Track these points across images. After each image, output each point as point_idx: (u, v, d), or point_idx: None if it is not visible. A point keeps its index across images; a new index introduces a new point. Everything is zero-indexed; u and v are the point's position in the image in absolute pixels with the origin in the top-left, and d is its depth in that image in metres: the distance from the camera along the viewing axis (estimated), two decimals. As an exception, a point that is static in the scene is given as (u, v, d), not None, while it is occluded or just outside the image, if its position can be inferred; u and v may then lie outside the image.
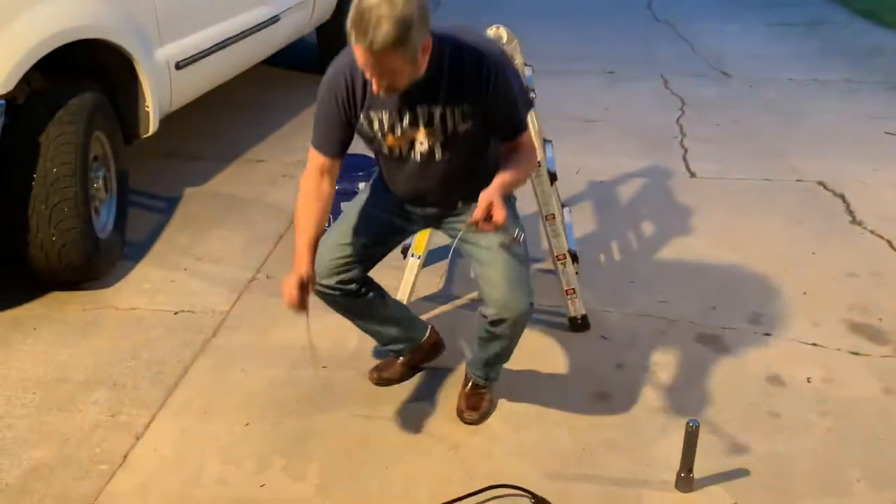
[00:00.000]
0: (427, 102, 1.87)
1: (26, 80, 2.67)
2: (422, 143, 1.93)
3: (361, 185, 3.21)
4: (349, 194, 3.22)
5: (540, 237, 2.89)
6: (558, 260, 2.67)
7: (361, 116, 1.91)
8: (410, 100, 1.87)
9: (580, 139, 4.47)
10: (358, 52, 1.68)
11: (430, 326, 2.46)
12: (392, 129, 1.92)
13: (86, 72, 3.04)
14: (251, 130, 4.52)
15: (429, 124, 1.90)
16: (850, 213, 3.66)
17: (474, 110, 1.89)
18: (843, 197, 3.81)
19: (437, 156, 1.96)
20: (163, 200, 3.67)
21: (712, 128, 4.71)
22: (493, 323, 2.02)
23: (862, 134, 4.65)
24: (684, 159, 4.25)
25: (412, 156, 1.97)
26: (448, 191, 2.06)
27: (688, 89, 5.37)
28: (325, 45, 5.34)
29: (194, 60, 3.44)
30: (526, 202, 2.55)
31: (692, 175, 4.06)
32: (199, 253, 3.25)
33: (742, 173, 4.07)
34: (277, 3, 4.22)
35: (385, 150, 1.99)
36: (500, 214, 1.77)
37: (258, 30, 4.01)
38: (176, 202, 3.67)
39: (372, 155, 2.12)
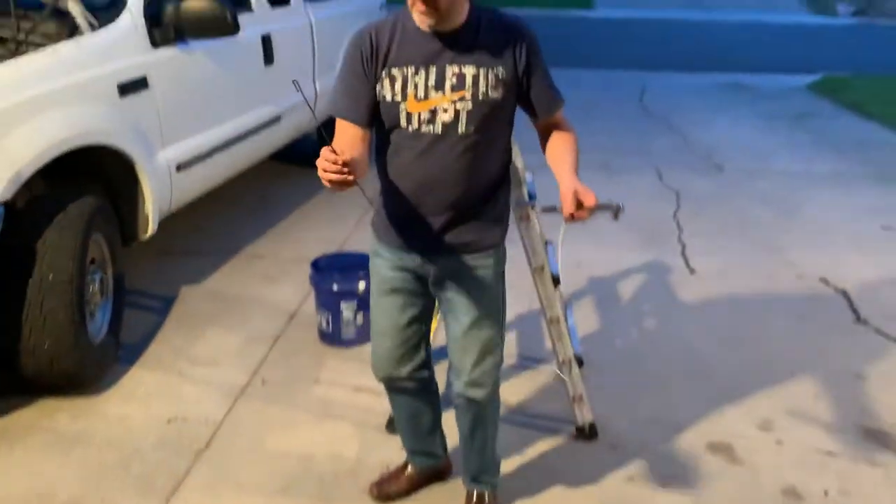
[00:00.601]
0: (458, 61, 1.75)
1: (27, 184, 2.66)
2: (446, 109, 1.77)
3: (361, 286, 3.18)
4: (349, 294, 3.20)
5: (542, 334, 2.83)
6: (563, 365, 2.60)
7: (384, 74, 1.77)
8: (439, 56, 1.75)
9: (579, 232, 4.39)
10: None
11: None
12: (416, 88, 1.76)
13: (87, 174, 3.03)
14: (250, 225, 4.51)
15: (457, 87, 1.76)
16: (854, 310, 3.62)
17: (508, 77, 1.79)
18: (845, 293, 3.78)
19: (459, 129, 1.79)
20: (159, 300, 3.61)
21: (709, 222, 4.72)
22: (469, 400, 2.04)
23: (858, 227, 4.67)
24: (683, 255, 4.24)
25: (431, 129, 1.79)
26: (459, 189, 1.85)
27: (683, 182, 5.42)
28: (326, 139, 5.38)
29: (195, 162, 3.45)
30: (528, 300, 2.50)
31: (692, 271, 4.04)
32: (194, 355, 3.17)
33: (741, 270, 4.05)
34: (279, 104, 4.27)
35: (402, 123, 1.80)
36: (590, 198, 1.70)
37: (260, 130, 4.04)
38: (172, 301, 3.61)
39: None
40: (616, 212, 1.84)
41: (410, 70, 1.77)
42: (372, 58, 1.79)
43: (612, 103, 8.08)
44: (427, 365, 2.15)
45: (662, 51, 12.10)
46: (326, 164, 1.58)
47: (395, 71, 1.77)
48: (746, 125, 7.18)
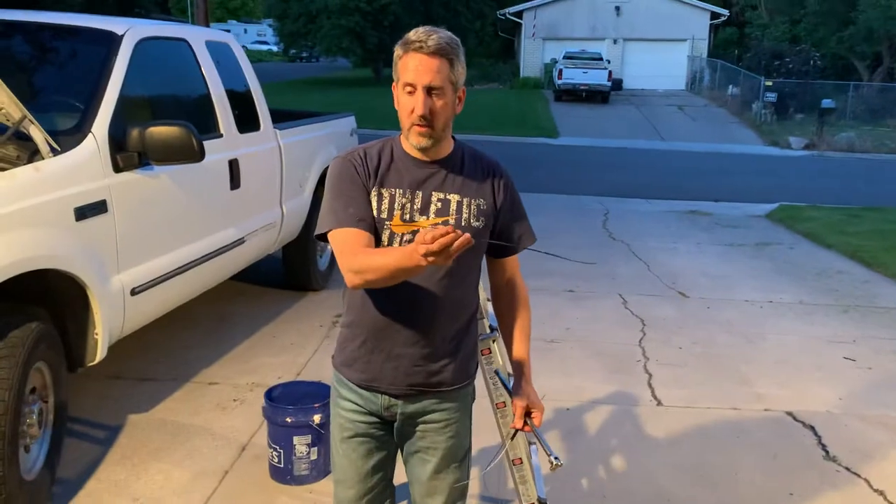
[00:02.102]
0: (443, 189, 1.82)
1: (-30, 306, 2.54)
2: None
3: (317, 419, 3.03)
4: (304, 428, 3.05)
5: (504, 470, 2.68)
6: (527, 510, 2.46)
7: (374, 190, 1.80)
8: (425, 182, 1.81)
9: (543, 360, 4.39)
10: (409, 61, 1.72)
11: None
12: (402, 209, 1.79)
13: (35, 296, 2.92)
14: (205, 348, 4.37)
15: (441, 212, 1.81)
16: (823, 447, 3.55)
17: (488, 209, 1.86)
18: (813, 429, 3.71)
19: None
20: (104, 429, 3.42)
21: (674, 351, 4.69)
22: None
23: (822, 359, 4.66)
24: (650, 385, 4.17)
25: None
26: (436, 317, 1.84)
27: (647, 309, 5.42)
28: (292, 262, 5.38)
29: (152, 286, 3.35)
30: (488, 434, 2.39)
31: (659, 403, 3.96)
32: (135, 492, 2.96)
33: (709, 402, 3.98)
34: (243, 226, 4.24)
35: (385, 241, 1.80)
36: (538, 416, 1.96)
37: (222, 253, 3.98)
38: (118, 431, 3.42)
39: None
40: (553, 465, 1.96)
41: (398, 192, 1.80)
42: (365, 173, 1.82)
43: (576, 227, 8.21)
44: None
45: (624, 177, 12.49)
46: (440, 238, 1.46)
47: (384, 190, 1.80)
48: (708, 253, 7.30)
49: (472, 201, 1.84)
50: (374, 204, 1.80)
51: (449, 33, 1.76)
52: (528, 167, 12.13)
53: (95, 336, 3.04)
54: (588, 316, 5.28)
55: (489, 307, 2.58)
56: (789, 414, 3.87)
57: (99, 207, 2.99)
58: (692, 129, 20.77)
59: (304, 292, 5.41)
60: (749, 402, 4.00)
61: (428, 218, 1.80)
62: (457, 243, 1.47)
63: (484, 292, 2.48)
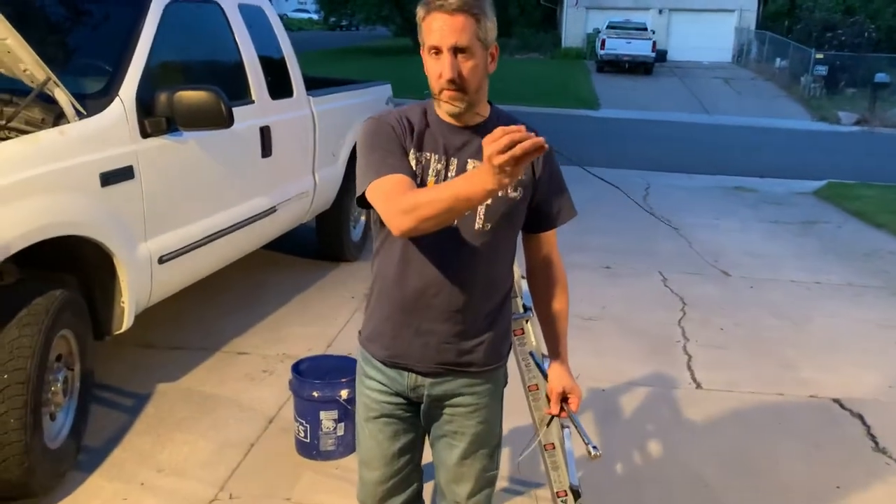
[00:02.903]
0: (479, 157, 1.61)
1: (-2, 271, 2.50)
2: None
3: (344, 394, 2.96)
4: (331, 403, 2.97)
5: (536, 454, 2.58)
6: (558, 497, 2.35)
7: (411, 153, 1.69)
8: (461, 149, 1.70)
9: (579, 339, 4.25)
10: (432, 22, 1.60)
11: None
12: (436, 176, 1.68)
13: (62, 262, 2.87)
14: (237, 318, 4.32)
15: None
16: (872, 437, 3.37)
17: (526, 179, 1.74)
18: (861, 418, 3.54)
19: (476, 224, 1.69)
20: (131, 398, 3.39)
21: (716, 332, 4.52)
22: None
23: (872, 343, 4.45)
24: (689, 367, 4.02)
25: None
26: (468, 293, 1.72)
27: (688, 288, 5.25)
28: (325, 232, 5.32)
29: (180, 254, 3.29)
30: (521, 416, 2.29)
31: (698, 386, 3.81)
32: (160, 462, 2.93)
33: (751, 386, 3.82)
34: (276, 195, 4.16)
35: None
36: (575, 400, 1.90)
37: (253, 222, 3.91)
38: (145, 400, 3.39)
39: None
40: (591, 454, 1.88)
41: (434, 157, 1.70)
42: (402, 131, 1.70)
43: (615, 202, 7.98)
44: (418, 498, 1.96)
45: (666, 151, 12.17)
46: (517, 134, 1.32)
47: (419, 154, 1.69)
48: (752, 230, 7.06)
49: None
50: (413, 166, 1.68)
51: None
52: (567, 139, 11.86)
53: (122, 304, 2.99)
54: (626, 294, 5.12)
55: (524, 285, 2.46)
56: (836, 401, 3.70)
57: (125, 173, 2.93)
58: (738, 102, 20.18)
59: (337, 263, 5.34)
60: (793, 387, 3.83)
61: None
62: (528, 143, 1.30)
63: (518, 269, 2.36)
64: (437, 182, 1.68)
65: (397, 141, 1.68)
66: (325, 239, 5.33)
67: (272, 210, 4.13)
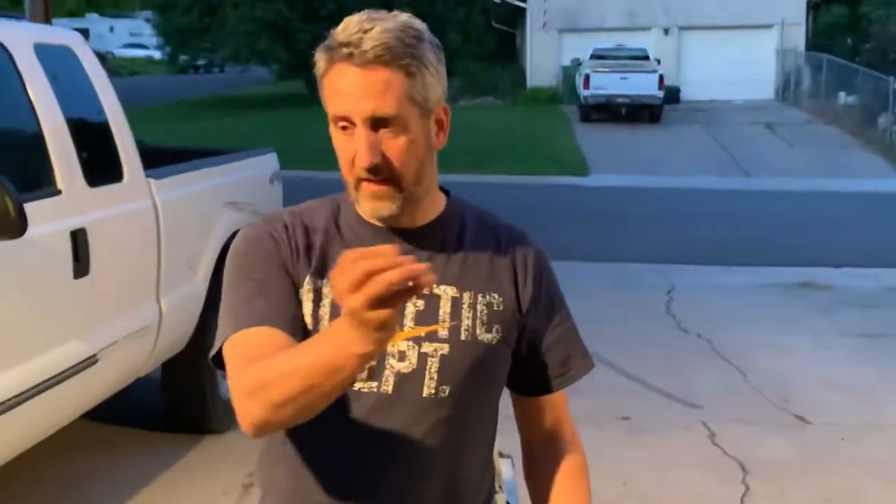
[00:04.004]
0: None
1: None
2: (404, 354, 1.65)
3: None
4: None
5: None
6: None
7: (308, 285, 1.65)
8: None
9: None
10: (338, 79, 1.56)
11: None
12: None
13: None
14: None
15: (423, 317, 1.66)
16: None
17: (507, 311, 1.72)
18: None
19: (425, 388, 1.65)
20: None
21: (798, 515, 4.47)
22: None
23: None
24: (764, 575, 3.91)
25: (376, 386, 1.64)
26: (417, 496, 1.68)
27: (749, 446, 5.24)
28: (176, 388, 5.23)
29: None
30: None
31: None
32: None
33: None
34: (96, 336, 4.07)
35: None
36: None
37: (62, 379, 3.79)
38: None
39: None
40: None
41: None
42: (294, 253, 1.68)
43: (628, 314, 8.06)
44: None
45: (691, 234, 12.43)
46: (377, 261, 1.25)
47: (317, 283, 1.67)
48: (834, 349, 7.17)
49: (481, 298, 1.71)
50: (308, 307, 1.65)
51: (403, 18, 1.61)
52: (546, 222, 12.04)
53: None
54: (655, 459, 5.09)
55: (504, 470, 2.36)
56: None
57: None
58: (789, 157, 21.02)
59: (200, 435, 5.23)
60: None
61: (401, 328, 1.62)
62: (395, 274, 1.22)
63: (500, 458, 2.28)
64: None
65: (278, 267, 1.66)
66: (179, 398, 5.24)
67: (92, 359, 4.02)
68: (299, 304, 1.64)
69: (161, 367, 5.01)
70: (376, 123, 1.56)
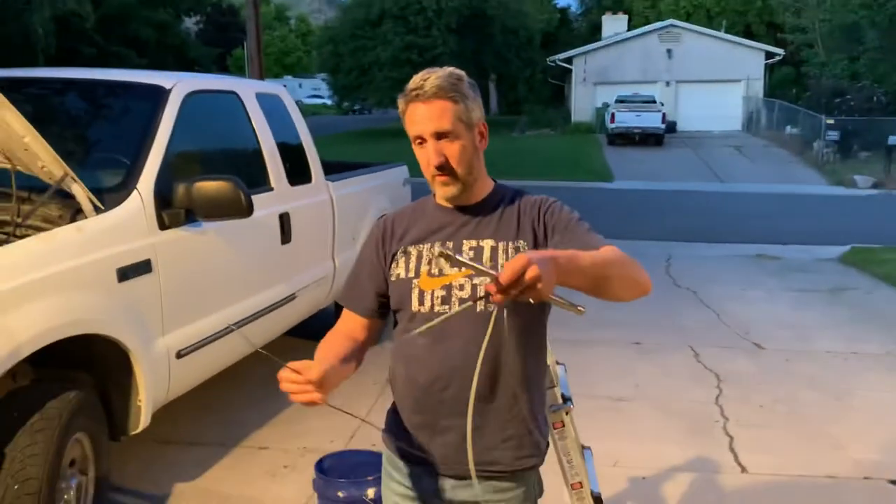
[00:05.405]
0: (475, 235, 1.67)
1: (11, 373, 2.40)
2: (462, 286, 1.62)
3: (371, 493, 2.79)
4: (357, 502, 2.80)
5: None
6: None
7: (399, 253, 1.69)
8: (457, 230, 1.68)
9: (612, 422, 4.08)
10: (412, 114, 1.61)
11: None
12: (430, 264, 1.65)
13: (77, 361, 2.77)
14: (255, 410, 4.17)
15: (474, 261, 1.59)
16: (938, 523, 3.14)
17: (528, 244, 1.66)
18: (923, 502, 3.31)
19: (476, 306, 1.59)
20: (146, 500, 3.23)
21: (755, 410, 4.31)
22: None
23: (922, 418, 4.23)
24: (731, 449, 3.81)
25: (448, 308, 1.60)
26: (482, 382, 1.56)
27: (721, 363, 5.06)
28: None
29: (199, 347, 3.19)
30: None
31: (743, 470, 3.60)
32: (177, 572, 2.75)
33: (800, 469, 3.60)
34: (295, 282, 4.09)
35: (414, 304, 1.64)
36: (533, 271, 1.30)
37: (272, 310, 3.83)
38: (161, 502, 3.22)
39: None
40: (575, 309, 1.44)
41: (426, 247, 1.68)
42: (387, 240, 1.73)
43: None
44: None
45: (684, 221, 12.09)
46: (289, 384, 1.46)
47: (410, 248, 1.69)
48: (781, 299, 6.87)
49: (510, 245, 1.64)
50: (401, 264, 1.68)
51: (449, 69, 1.65)
52: (582, 212, 11.81)
53: (139, 403, 2.88)
54: (658, 371, 4.94)
55: (560, 371, 2.33)
56: (893, 483, 3.46)
57: (143, 267, 2.86)
58: (751, 170, 20.19)
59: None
60: (845, 468, 3.61)
61: (460, 270, 1.61)
62: (300, 398, 1.48)
63: (553, 355, 2.23)
64: (430, 272, 1.64)
65: (376, 251, 1.73)
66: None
67: (292, 297, 4.05)
68: (382, 277, 1.71)
69: (334, 303, 4.88)
70: (439, 136, 1.60)
